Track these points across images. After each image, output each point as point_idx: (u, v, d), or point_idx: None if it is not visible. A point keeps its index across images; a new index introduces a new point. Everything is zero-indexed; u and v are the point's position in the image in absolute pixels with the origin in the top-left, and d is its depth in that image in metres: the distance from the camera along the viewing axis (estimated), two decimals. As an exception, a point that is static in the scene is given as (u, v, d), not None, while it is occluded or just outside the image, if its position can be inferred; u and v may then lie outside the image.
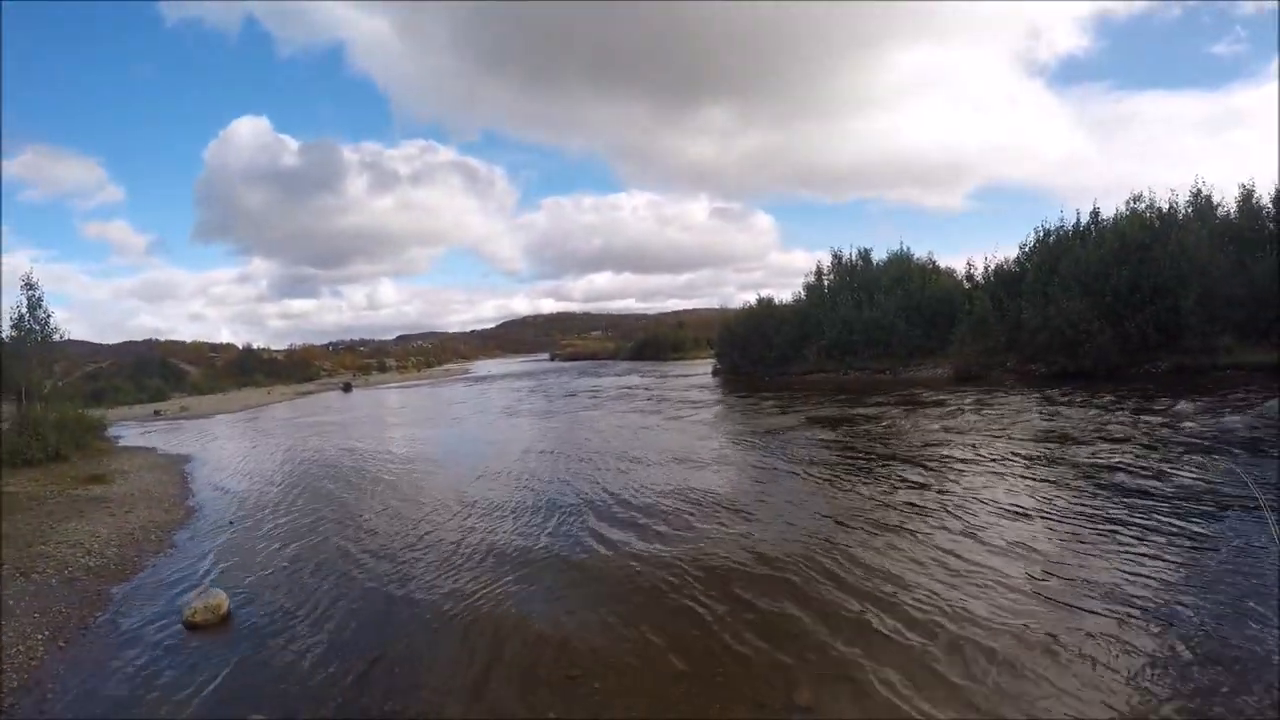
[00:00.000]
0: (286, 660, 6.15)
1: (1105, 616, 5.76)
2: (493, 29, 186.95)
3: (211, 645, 6.62)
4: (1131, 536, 7.66)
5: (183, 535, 11.12)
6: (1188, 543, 7.33)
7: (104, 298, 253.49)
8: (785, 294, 44.27)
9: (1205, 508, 8.49)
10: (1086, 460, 11.53)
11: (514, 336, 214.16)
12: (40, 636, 6.87)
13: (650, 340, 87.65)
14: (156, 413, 43.79)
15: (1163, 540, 7.45)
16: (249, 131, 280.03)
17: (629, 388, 38.53)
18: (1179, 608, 5.83)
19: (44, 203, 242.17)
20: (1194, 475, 9.99)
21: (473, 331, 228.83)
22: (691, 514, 10.12)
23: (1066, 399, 18.90)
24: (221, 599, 7.40)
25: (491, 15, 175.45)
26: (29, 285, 21.62)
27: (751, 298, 45.51)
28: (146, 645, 6.72)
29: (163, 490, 14.99)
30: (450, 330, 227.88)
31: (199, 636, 6.86)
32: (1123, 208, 28.76)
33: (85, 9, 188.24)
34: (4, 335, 21.67)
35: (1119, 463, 11.16)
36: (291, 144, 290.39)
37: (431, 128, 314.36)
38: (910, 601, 6.38)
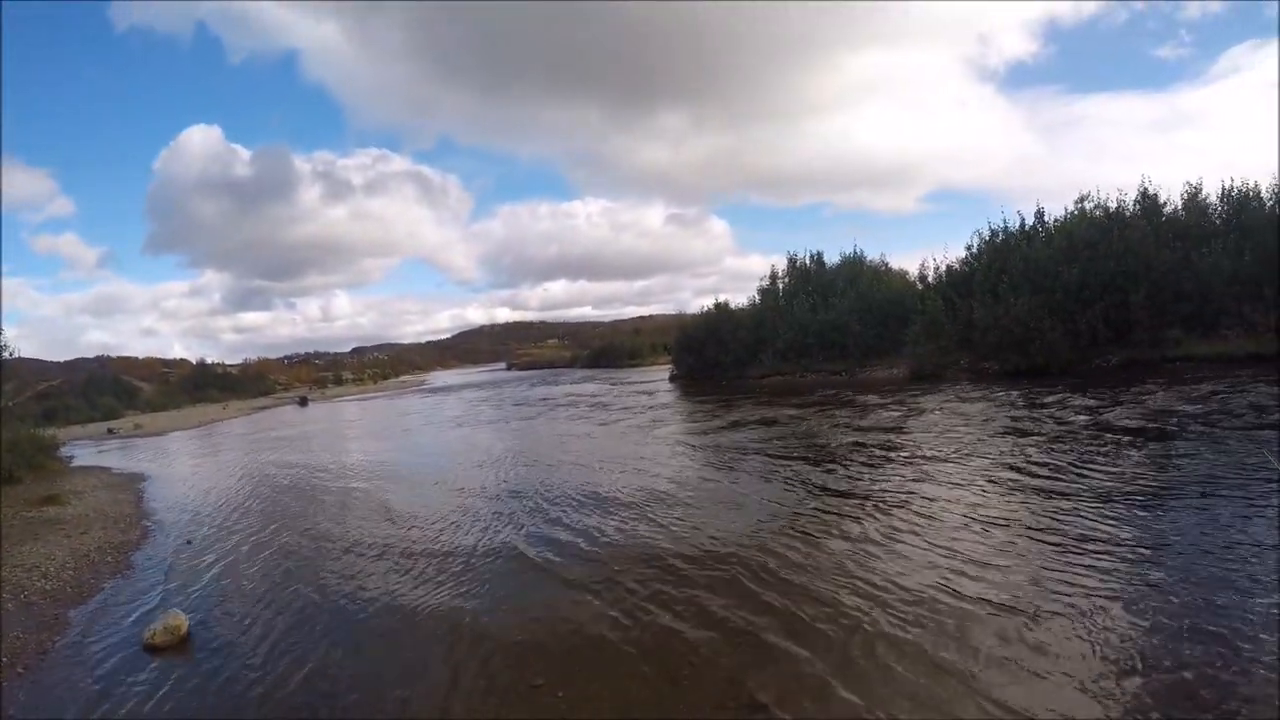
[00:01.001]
0: (248, 680, 6.09)
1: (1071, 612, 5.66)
2: (445, 35, 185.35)
3: (172, 667, 6.54)
4: (1083, 524, 7.74)
5: (140, 555, 10.97)
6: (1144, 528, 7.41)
7: (54, 313, 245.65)
8: (741, 298, 44.20)
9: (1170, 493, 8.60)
10: (1036, 453, 11.64)
11: (470, 346, 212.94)
12: None
13: (607, 348, 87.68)
14: (110, 431, 42.70)
15: (1117, 530, 7.50)
16: (200, 140, 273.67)
17: (585, 395, 38.28)
18: (1148, 599, 5.75)
19: None
20: (1151, 458, 10.23)
21: (428, 342, 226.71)
22: (641, 516, 10.13)
23: (1018, 395, 18.98)
24: (181, 620, 7.31)
25: (443, 21, 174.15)
26: None
27: (708, 303, 45.52)
28: (107, 668, 6.63)
29: (118, 510, 14.74)
30: (406, 341, 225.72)
31: (159, 658, 6.77)
32: (1071, 207, 29.17)
33: (29, 12, 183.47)
34: None
35: (1065, 453, 11.35)
36: (243, 153, 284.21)
37: (385, 136, 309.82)
38: (881, 598, 6.35)
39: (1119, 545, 6.95)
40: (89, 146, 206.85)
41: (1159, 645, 4.98)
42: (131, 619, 7.95)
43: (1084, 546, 7.00)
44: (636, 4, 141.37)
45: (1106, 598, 5.78)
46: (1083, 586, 6.06)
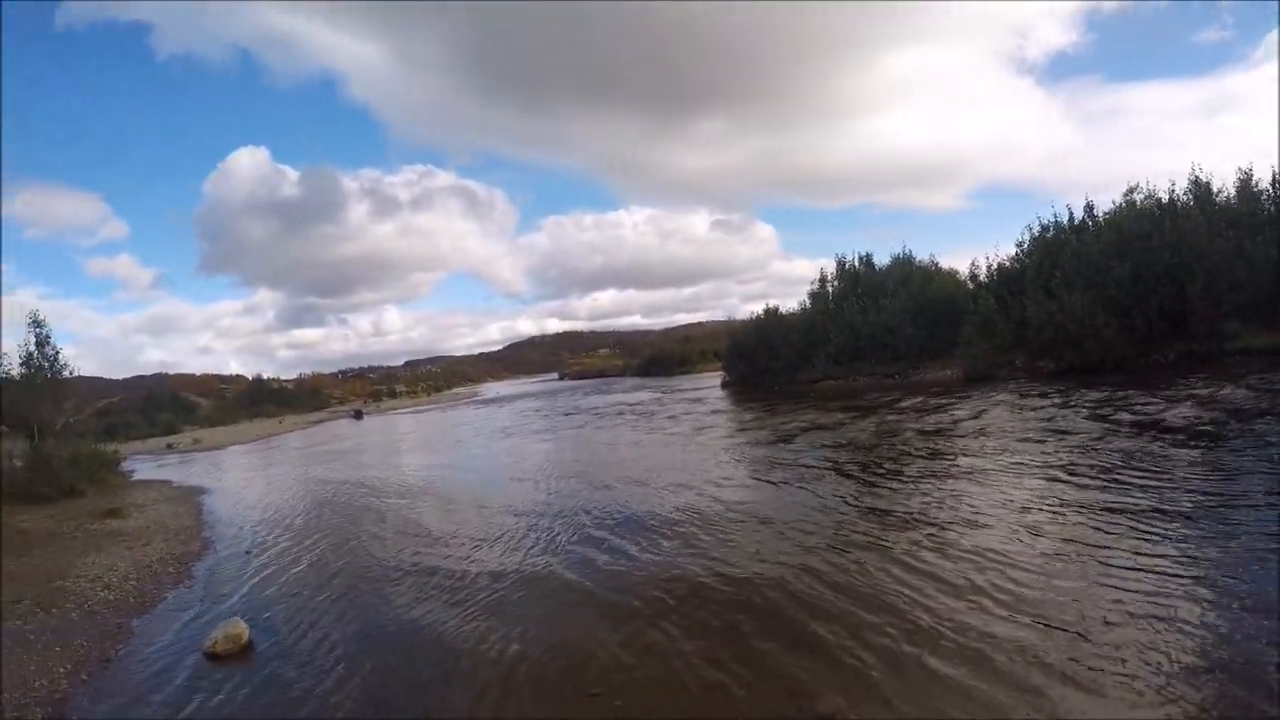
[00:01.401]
0: (309, 688, 6.19)
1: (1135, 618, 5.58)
2: (482, 51, 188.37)
3: (233, 675, 6.67)
4: (1157, 530, 7.53)
5: (200, 566, 11.24)
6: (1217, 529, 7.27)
7: (111, 333, 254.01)
8: (790, 303, 44.24)
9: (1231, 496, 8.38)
10: (1093, 457, 11.43)
11: (521, 357, 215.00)
12: (62, 670, 6.98)
13: (657, 356, 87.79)
14: (169, 446, 44.24)
15: (1194, 532, 7.31)
16: (248, 162, 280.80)
17: (636, 404, 38.62)
18: (1207, 608, 5.62)
19: (45, 240, 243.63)
20: (1214, 462, 9.98)
21: (480, 354, 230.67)
22: (703, 529, 9.99)
23: (1074, 395, 18.83)
24: (242, 629, 7.47)
25: (481, 37, 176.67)
26: (36, 323, 21.86)
27: (756, 308, 45.63)
28: (168, 676, 6.79)
29: (179, 522, 15.14)
30: (457, 354, 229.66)
31: (220, 666, 6.91)
32: (1119, 199, 28.82)
33: (74, 45, 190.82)
34: (13, 373, 21.85)
35: (1122, 456, 11.14)
36: (291, 173, 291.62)
37: (429, 152, 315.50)
38: (928, 610, 6.24)
39: (1177, 559, 6.62)
40: (138, 171, 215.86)
41: (1218, 661, 4.82)
42: (193, 627, 8.19)
43: (1141, 559, 6.72)
44: (671, 9, 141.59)
45: (1162, 615, 5.52)
46: (1142, 597, 5.87)
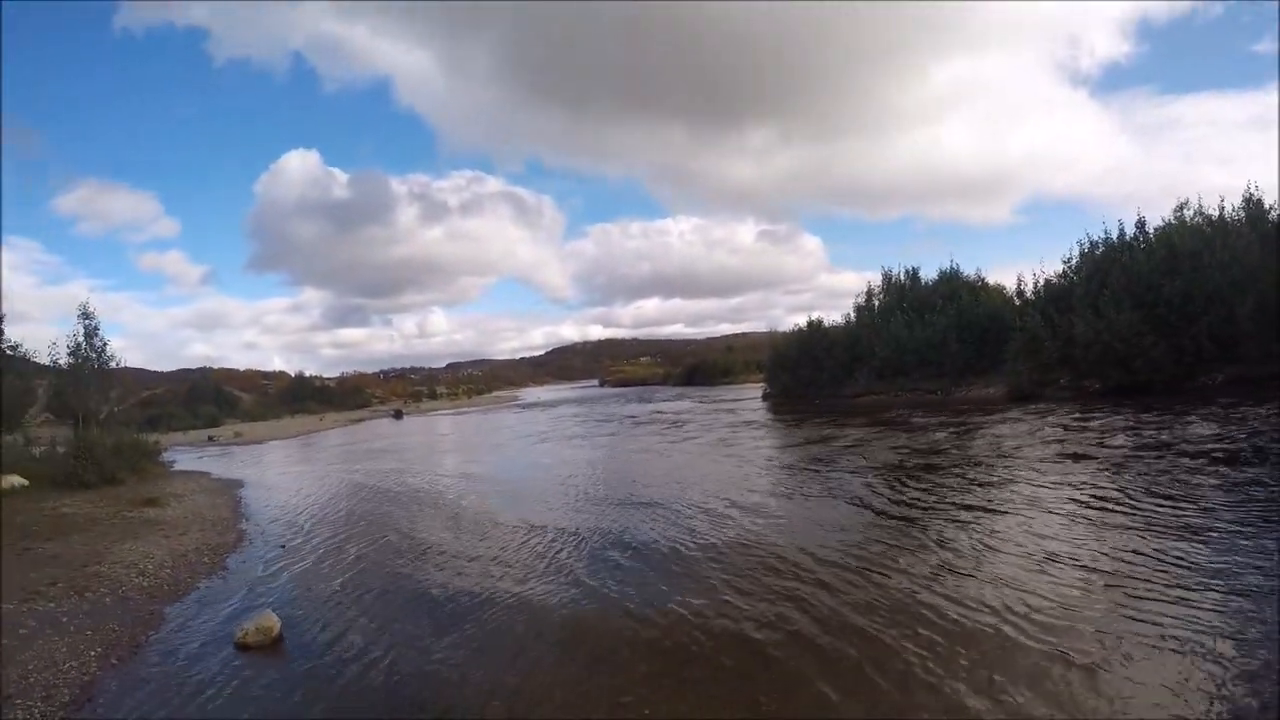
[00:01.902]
0: (338, 683, 6.23)
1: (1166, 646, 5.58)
2: (532, 59, 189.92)
3: (263, 666, 6.70)
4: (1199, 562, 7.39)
5: (235, 558, 11.32)
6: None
7: (159, 327, 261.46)
8: (835, 315, 44.20)
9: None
10: (1136, 478, 11.44)
11: (563, 363, 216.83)
12: (93, 653, 7.03)
13: (700, 365, 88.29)
14: (210, 438, 44.86)
15: (1228, 563, 7.21)
16: (299, 165, 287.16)
17: (678, 413, 38.71)
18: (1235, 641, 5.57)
19: (99, 235, 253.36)
20: (1254, 490, 9.87)
21: (522, 359, 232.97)
22: (736, 547, 9.79)
23: (1119, 417, 18.72)
24: (273, 621, 7.49)
25: (530, 45, 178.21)
26: (86, 315, 22.67)
27: (801, 320, 45.60)
28: (198, 664, 6.83)
29: (216, 514, 15.26)
30: (500, 358, 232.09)
31: (250, 657, 6.94)
32: (1170, 216, 28.53)
33: (132, 48, 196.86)
34: (62, 362, 22.64)
35: (1169, 477, 11.18)
36: (341, 176, 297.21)
37: (478, 159, 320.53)
38: (963, 630, 6.26)
39: (1207, 592, 6.52)
40: (192, 171, 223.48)
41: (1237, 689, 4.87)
42: (225, 618, 8.16)
43: (1170, 590, 6.65)
44: (720, 18, 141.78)
45: (1184, 651, 5.45)
46: (1167, 629, 5.82)
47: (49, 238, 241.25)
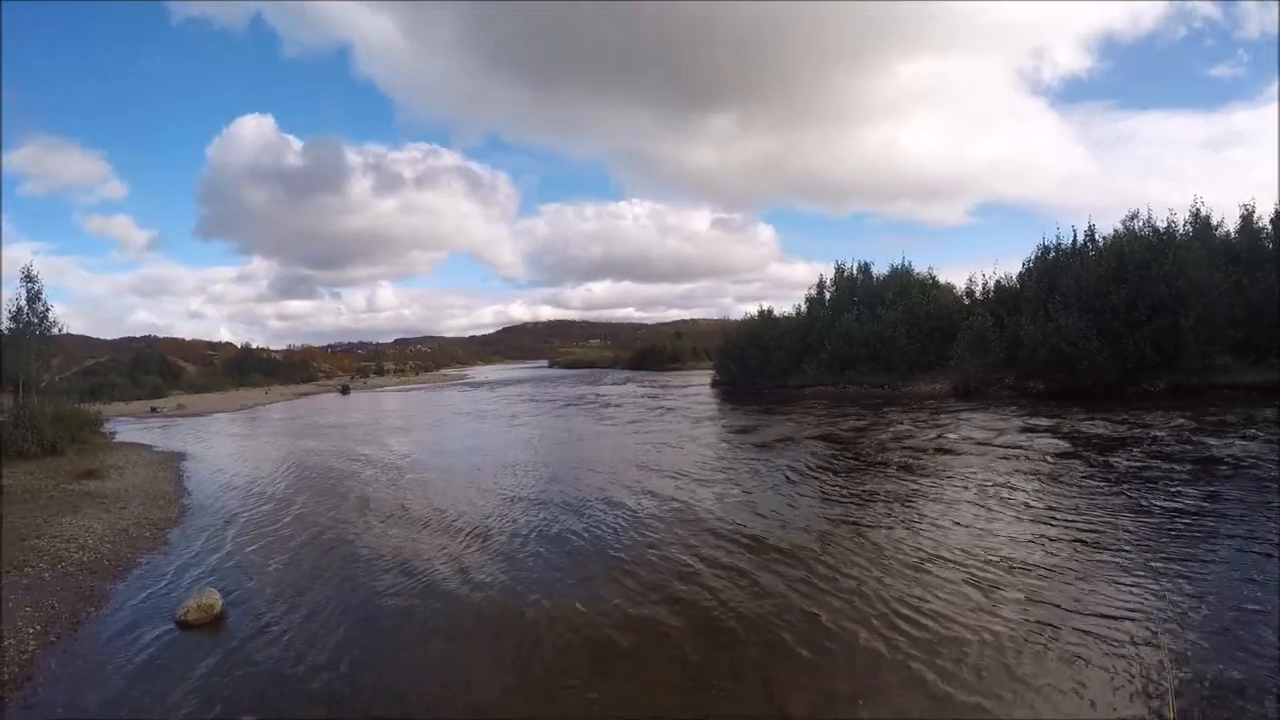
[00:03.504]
0: (279, 660, 6.16)
1: (1097, 634, 5.75)
2: (498, 31, 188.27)
3: (204, 644, 6.59)
4: (1123, 553, 7.71)
5: (177, 533, 11.09)
6: (1181, 565, 7.26)
7: (103, 292, 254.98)
8: (785, 306, 44.51)
9: (1204, 529, 8.45)
10: (1080, 479, 11.58)
11: (512, 343, 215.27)
12: (31, 630, 6.81)
13: (649, 350, 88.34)
14: (153, 409, 43.61)
15: (1156, 562, 7.39)
16: (253, 130, 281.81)
17: (623, 396, 38.81)
18: (1172, 629, 5.78)
19: (45, 196, 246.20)
20: (1190, 497, 9.98)
21: (471, 337, 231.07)
22: (674, 528, 10.02)
23: (1063, 417, 18.99)
24: (215, 598, 7.40)
25: (498, 17, 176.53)
26: (29, 278, 21.52)
27: (751, 309, 45.87)
28: (139, 642, 6.68)
29: (158, 487, 14.91)
30: (449, 335, 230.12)
31: (192, 635, 6.83)
32: (1120, 225, 28.90)
33: (91, 5, 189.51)
34: (3, 328, 21.68)
35: (1110, 479, 11.35)
36: (295, 143, 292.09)
37: (435, 131, 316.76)
38: (901, 614, 6.41)
39: (1139, 591, 6.64)
40: (143, 132, 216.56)
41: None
42: (166, 595, 8.04)
43: (1102, 588, 6.78)
44: (688, 4, 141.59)
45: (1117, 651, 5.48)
46: (1103, 628, 5.89)
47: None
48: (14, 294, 22.42)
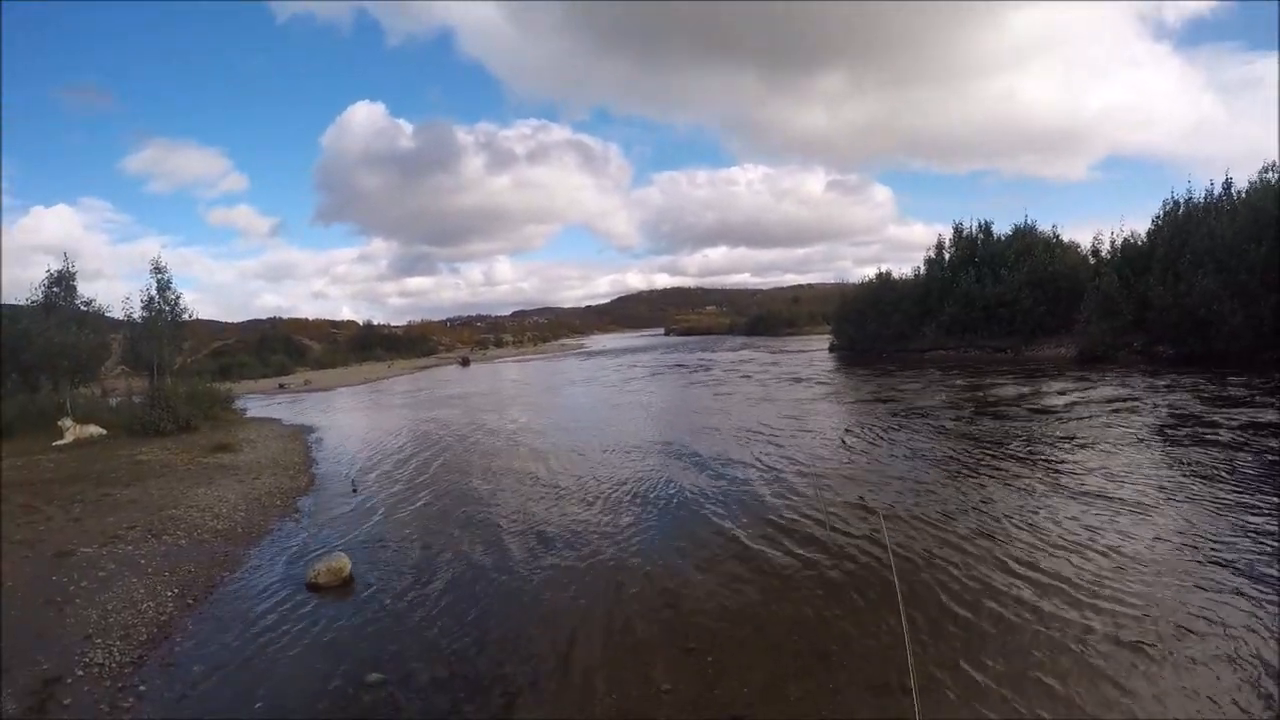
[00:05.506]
0: (405, 622, 6.49)
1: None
2: (599, 6, 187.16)
3: (333, 606, 6.96)
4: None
5: (307, 501, 11.65)
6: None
7: (229, 279, 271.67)
8: (905, 268, 43.42)
9: None
10: (1201, 454, 11.04)
11: (628, 312, 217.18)
12: (170, 593, 7.25)
13: (765, 316, 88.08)
14: (281, 386, 45.61)
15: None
16: (364, 116, 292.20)
17: (744, 362, 39.14)
18: None
19: (170, 193, 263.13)
20: None
21: (587, 307, 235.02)
22: (806, 497, 10.07)
23: (1193, 384, 18.36)
24: (344, 562, 7.77)
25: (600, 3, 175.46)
26: (158, 269, 23.73)
27: (869, 272, 45.36)
28: (270, 604, 7.09)
29: (288, 458, 15.62)
30: (565, 305, 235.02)
31: (321, 597, 7.21)
32: (1255, 178, 27.31)
33: (197, 10, 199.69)
34: (135, 316, 23.88)
35: (1236, 455, 10.83)
36: (406, 127, 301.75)
37: (543, 107, 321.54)
38: (1017, 594, 6.33)
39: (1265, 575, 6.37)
40: (258, 127, 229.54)
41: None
42: (296, 559, 8.43)
43: (1226, 572, 6.56)
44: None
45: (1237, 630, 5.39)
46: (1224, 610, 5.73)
47: (119, 197, 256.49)
48: (145, 285, 24.46)
